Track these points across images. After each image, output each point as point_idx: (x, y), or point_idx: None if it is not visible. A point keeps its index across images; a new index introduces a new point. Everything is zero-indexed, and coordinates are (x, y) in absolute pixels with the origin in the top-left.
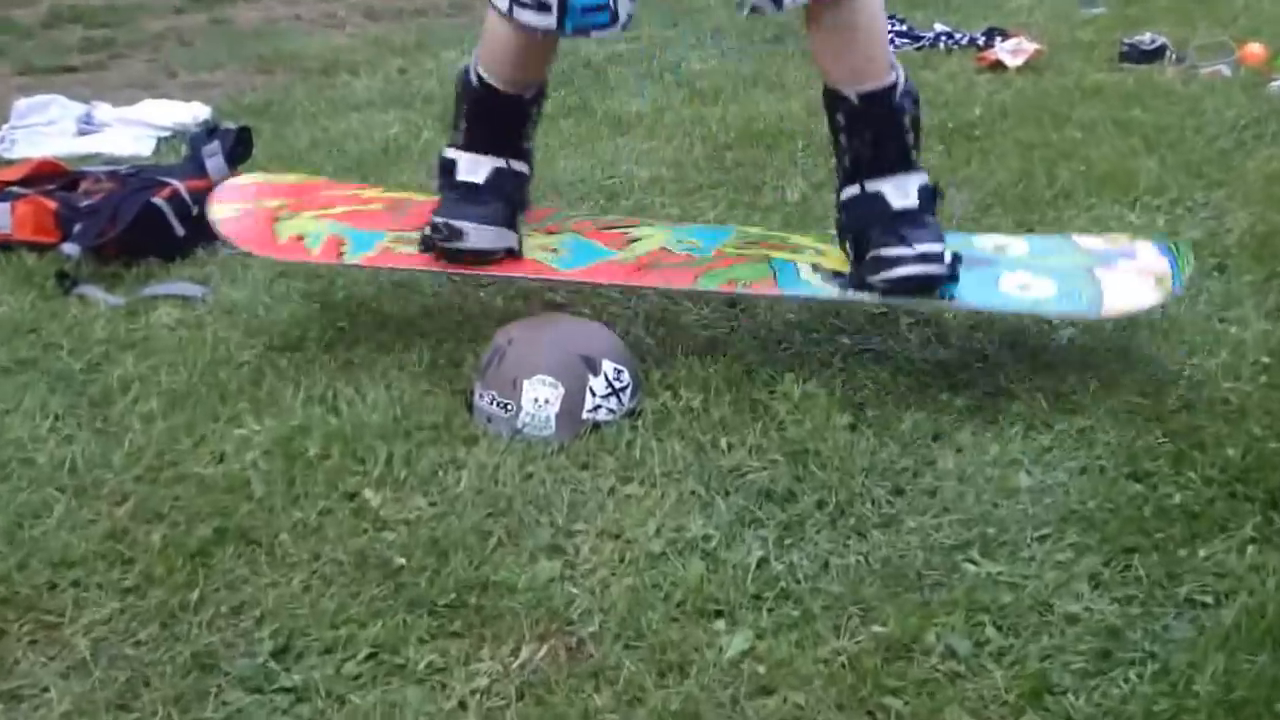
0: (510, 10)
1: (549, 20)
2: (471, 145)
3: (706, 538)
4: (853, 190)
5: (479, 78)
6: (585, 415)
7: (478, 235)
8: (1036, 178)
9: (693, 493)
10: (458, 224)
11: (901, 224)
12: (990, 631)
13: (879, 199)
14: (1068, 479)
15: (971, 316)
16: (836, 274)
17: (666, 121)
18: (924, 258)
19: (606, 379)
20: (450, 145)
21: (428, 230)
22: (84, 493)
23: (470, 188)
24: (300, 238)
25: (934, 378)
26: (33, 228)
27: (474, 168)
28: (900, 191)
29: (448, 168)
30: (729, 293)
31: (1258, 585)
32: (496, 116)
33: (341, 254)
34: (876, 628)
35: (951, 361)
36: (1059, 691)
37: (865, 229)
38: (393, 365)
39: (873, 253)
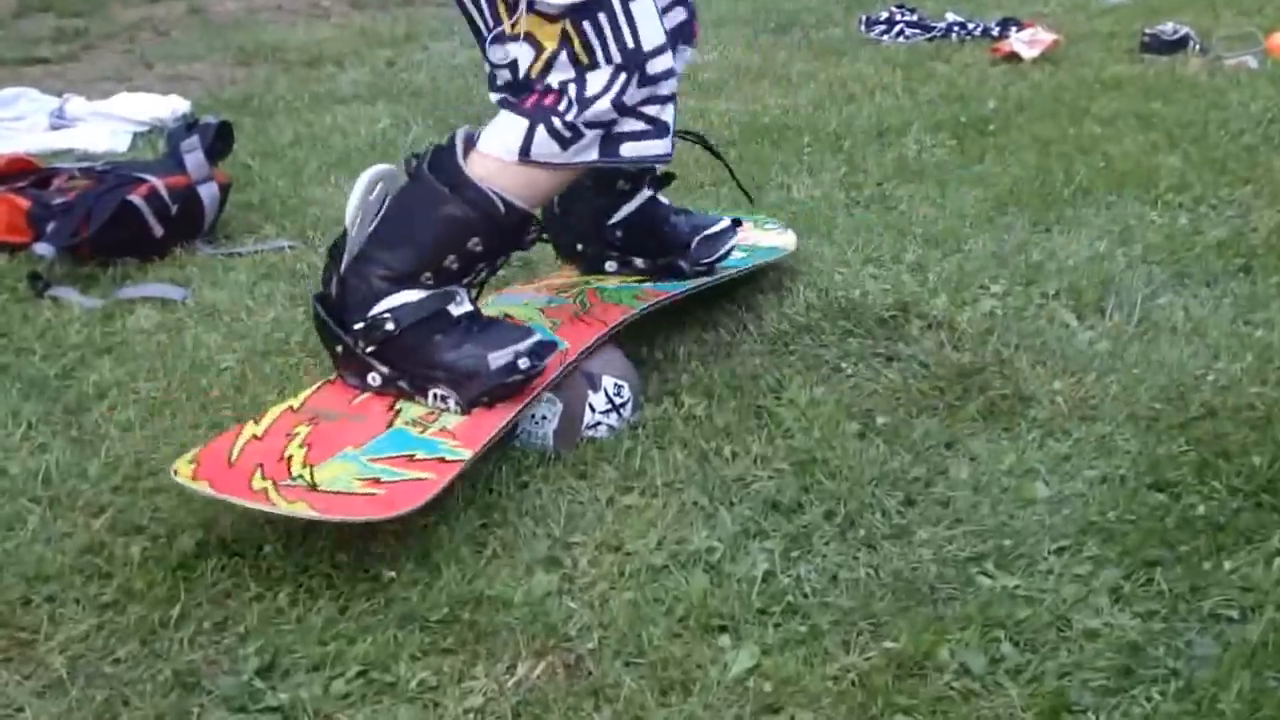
0: (612, 155)
1: (665, 144)
2: (458, 276)
3: (710, 550)
4: (630, 207)
5: (504, 203)
6: (585, 431)
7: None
8: (1054, 174)
9: (695, 503)
10: (545, 339)
11: (684, 211)
12: (1006, 648)
13: (655, 200)
14: (1087, 489)
15: (987, 319)
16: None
17: None
18: (734, 225)
19: (606, 395)
20: (419, 288)
21: (496, 378)
22: (59, 504)
23: (472, 316)
24: (375, 480)
25: (947, 382)
26: (4, 227)
27: (462, 298)
28: (661, 191)
29: (435, 314)
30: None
31: None
32: (508, 236)
33: (445, 458)
34: (887, 644)
35: (965, 365)
36: (1078, 710)
37: (656, 229)
38: None
39: (700, 236)
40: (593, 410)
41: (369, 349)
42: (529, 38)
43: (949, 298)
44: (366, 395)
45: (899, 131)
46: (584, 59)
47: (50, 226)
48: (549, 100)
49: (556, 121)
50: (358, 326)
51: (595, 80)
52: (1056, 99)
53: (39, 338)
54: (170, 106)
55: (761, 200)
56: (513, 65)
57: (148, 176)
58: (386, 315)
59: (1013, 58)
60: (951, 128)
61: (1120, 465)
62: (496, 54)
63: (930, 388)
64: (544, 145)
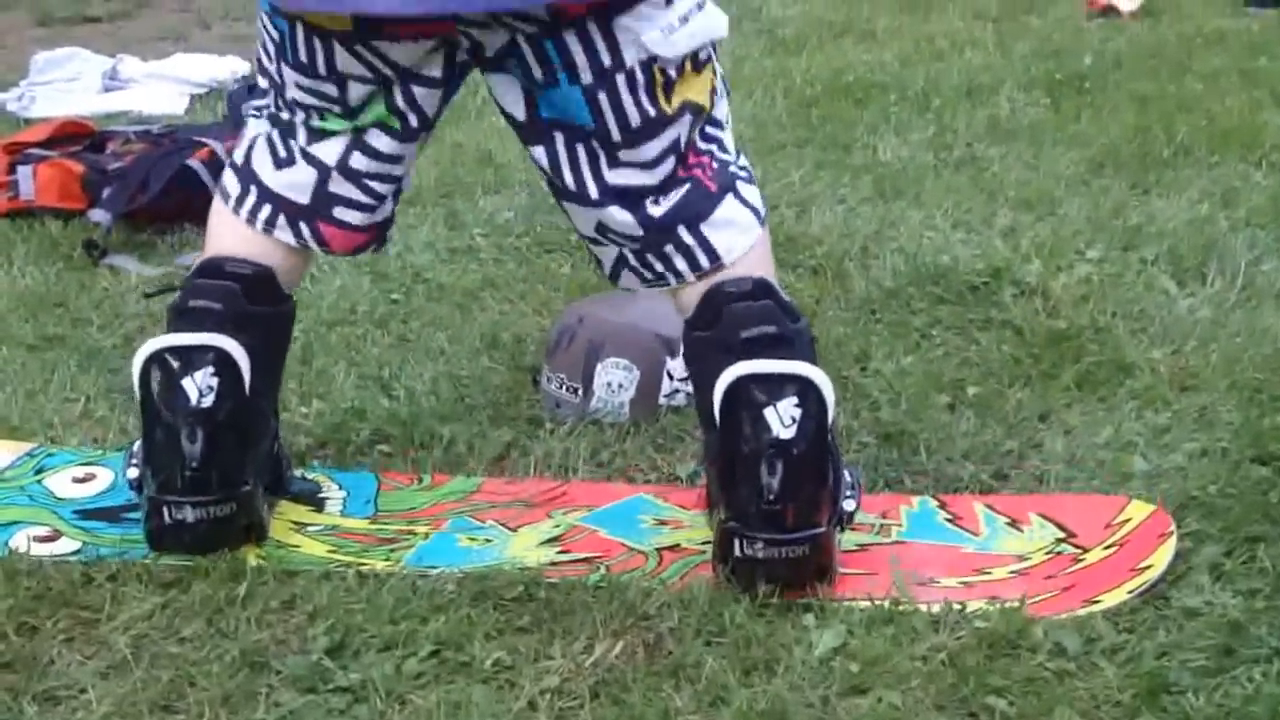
0: None
1: None
2: None
3: None
4: None
5: None
6: (662, 400)
7: None
8: (1153, 134)
9: None
10: None
11: None
12: (1102, 627)
13: None
14: (1186, 462)
15: (1082, 285)
16: None
17: (746, 73)
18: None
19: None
20: None
21: None
22: None
23: None
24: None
25: (1041, 351)
26: (58, 193)
27: None
28: None
29: None
30: None
31: None
32: None
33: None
34: (978, 623)
35: (1060, 333)
36: (1177, 691)
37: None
38: (451, 340)
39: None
40: (671, 378)
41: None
42: (687, 105)
43: (1043, 263)
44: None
45: (990, 89)
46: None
47: (106, 192)
48: (709, 163)
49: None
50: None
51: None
52: (1156, 54)
53: (96, 307)
54: (229, 68)
55: (846, 162)
56: (674, 148)
57: (207, 140)
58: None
59: (1110, 11)
60: (1046, 85)
61: (1222, 437)
62: (648, 153)
63: (1024, 356)
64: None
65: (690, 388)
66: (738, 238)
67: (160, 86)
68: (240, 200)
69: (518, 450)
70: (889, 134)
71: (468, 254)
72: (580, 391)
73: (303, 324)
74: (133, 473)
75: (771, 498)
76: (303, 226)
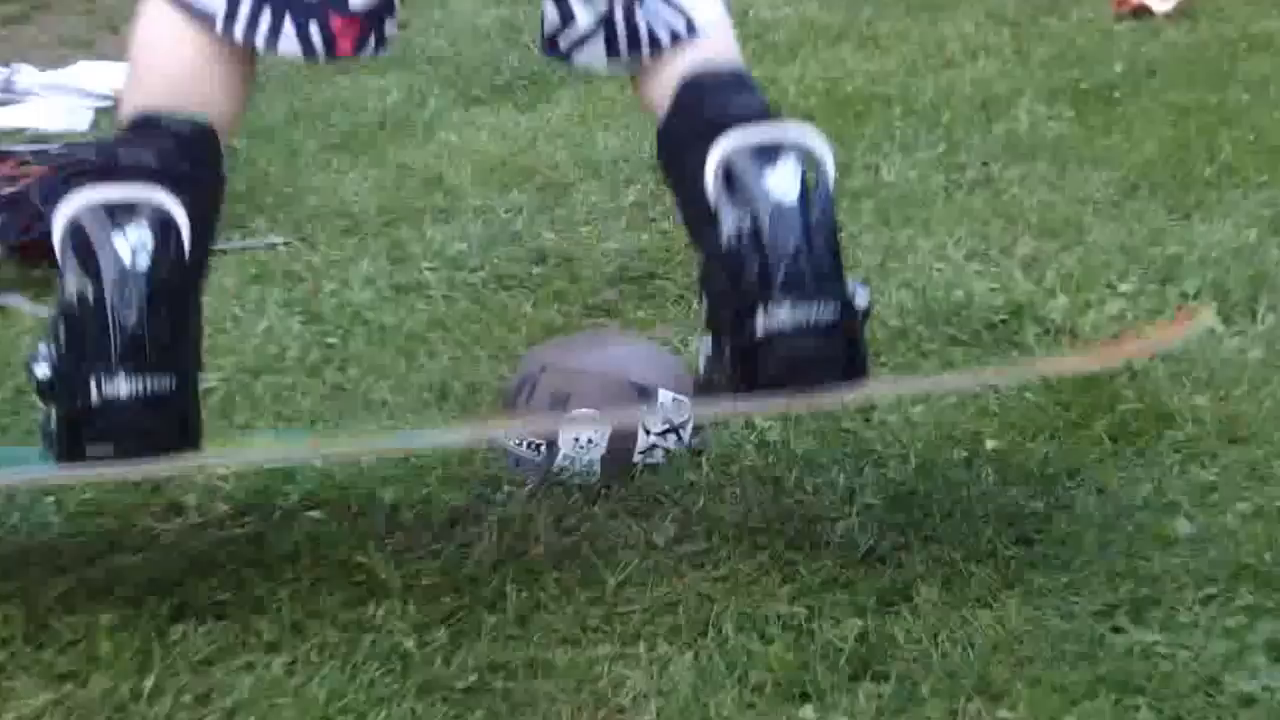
0: None
1: None
2: None
3: (789, 604)
4: None
5: None
6: (637, 457)
7: None
8: (1193, 150)
9: (770, 548)
10: None
11: None
12: (1145, 715)
13: None
14: (1238, 525)
15: (1115, 323)
16: None
17: None
18: None
19: (664, 413)
20: None
21: None
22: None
23: None
24: None
25: (1070, 399)
26: None
27: None
28: None
29: None
30: None
31: None
32: None
33: None
34: (1003, 712)
35: (1091, 378)
36: None
37: None
38: (394, 390)
39: None
40: (647, 432)
41: None
42: None
43: (1070, 299)
44: None
45: (1007, 101)
46: None
47: None
48: None
49: None
50: None
51: None
52: (1195, 60)
53: None
54: None
55: (846, 185)
56: None
57: None
58: None
59: (1142, 11)
60: (1070, 96)
61: (1276, 497)
62: None
63: (1050, 404)
64: None
65: (669, 443)
66: (709, 8)
67: (60, 99)
68: (230, 17)
69: (470, 519)
70: (893, 152)
71: (414, 291)
72: (543, 448)
73: (223, 371)
74: (41, 370)
75: (791, 251)
76: (313, 27)
